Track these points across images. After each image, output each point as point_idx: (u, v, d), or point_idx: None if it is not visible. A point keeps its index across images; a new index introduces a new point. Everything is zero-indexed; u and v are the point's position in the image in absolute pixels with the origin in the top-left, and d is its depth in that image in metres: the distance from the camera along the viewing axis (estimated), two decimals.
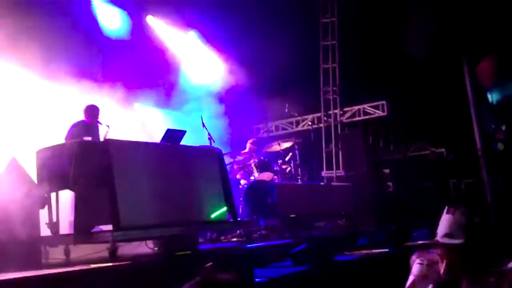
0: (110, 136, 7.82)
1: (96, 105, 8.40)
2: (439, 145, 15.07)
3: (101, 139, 7.76)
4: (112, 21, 12.03)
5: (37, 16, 9.44)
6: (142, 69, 12.22)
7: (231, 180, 8.74)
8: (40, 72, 9.70)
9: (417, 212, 11.11)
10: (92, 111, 8.20)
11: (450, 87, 13.57)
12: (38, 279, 5.14)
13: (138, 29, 12.57)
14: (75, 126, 7.99)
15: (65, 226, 7.37)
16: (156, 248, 7.54)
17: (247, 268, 6.62)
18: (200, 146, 8.64)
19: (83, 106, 8.42)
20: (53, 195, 6.84)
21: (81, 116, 8.32)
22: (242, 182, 10.69)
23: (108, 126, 7.83)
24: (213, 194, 7.83)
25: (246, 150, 11.59)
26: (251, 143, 11.63)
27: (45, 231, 6.67)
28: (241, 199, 10.04)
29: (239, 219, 8.49)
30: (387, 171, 14.13)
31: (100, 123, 8.12)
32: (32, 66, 9.52)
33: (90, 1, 11.76)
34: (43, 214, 6.70)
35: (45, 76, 9.81)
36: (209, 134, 9.67)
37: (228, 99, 13.95)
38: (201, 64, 14.49)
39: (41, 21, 9.53)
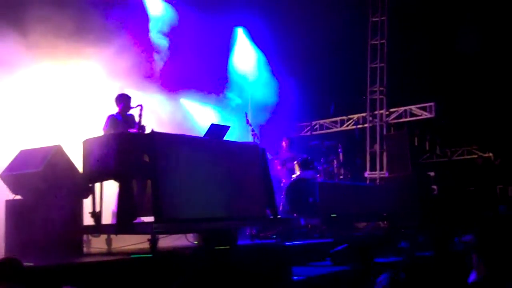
0: (145, 113, 7.73)
1: (125, 93, 8.37)
2: (487, 150, 14.75)
3: (136, 119, 7.73)
4: (159, 13, 12.12)
5: (91, 14, 9.61)
6: (189, 65, 12.29)
7: (273, 177, 8.71)
8: (92, 67, 9.87)
9: (461, 217, 10.91)
10: (122, 100, 8.15)
11: (501, 91, 13.27)
12: (79, 267, 5.24)
13: (185, 24, 12.63)
14: (111, 117, 8.01)
15: (108, 216, 7.48)
16: (196, 242, 7.59)
17: (285, 266, 6.61)
18: (243, 142, 8.64)
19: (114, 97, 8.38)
20: (97, 185, 6.94)
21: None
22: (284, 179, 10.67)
23: (140, 105, 7.70)
24: (254, 191, 7.82)
25: (284, 148, 11.60)
26: (284, 141, 11.59)
27: (88, 220, 6.78)
28: (282, 196, 10.00)
29: (279, 216, 8.46)
30: (432, 174, 13.89)
31: (132, 107, 8.00)
32: (85, 61, 9.70)
33: None
34: (87, 203, 6.82)
35: (95, 70, 9.97)
36: (253, 130, 9.67)
37: (272, 96, 13.92)
38: (247, 60, 14.50)
39: (94, 18, 9.69)
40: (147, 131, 7.52)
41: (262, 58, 14.60)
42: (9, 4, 8.50)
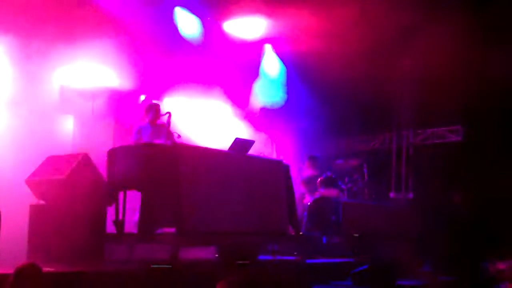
0: (174, 119, 7.73)
1: (153, 102, 8.41)
2: None
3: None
4: (190, 28, 12.19)
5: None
6: (217, 78, 12.33)
7: (296, 193, 8.67)
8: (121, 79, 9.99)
9: (488, 241, 10.71)
10: (151, 109, 8.21)
11: None
12: (99, 274, 5.26)
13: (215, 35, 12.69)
14: (139, 128, 8.08)
15: (131, 225, 7.50)
16: (216, 255, 7.57)
17: (305, 284, 6.55)
18: (267, 158, 8.62)
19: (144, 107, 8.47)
20: (121, 193, 6.98)
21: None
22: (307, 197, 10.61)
23: (169, 113, 7.69)
24: (277, 207, 7.78)
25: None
26: (308, 161, 11.41)
27: (111, 228, 6.81)
28: (304, 213, 9.94)
29: (301, 233, 8.40)
30: (459, 197, 13.68)
31: (162, 115, 8.02)
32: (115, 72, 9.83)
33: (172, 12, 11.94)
34: (110, 211, 6.85)
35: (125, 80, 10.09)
36: (277, 147, 9.65)
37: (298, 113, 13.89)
38: (273, 74, 14.48)
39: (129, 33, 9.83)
40: (175, 137, 7.58)
41: (286, 71, 14.55)
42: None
